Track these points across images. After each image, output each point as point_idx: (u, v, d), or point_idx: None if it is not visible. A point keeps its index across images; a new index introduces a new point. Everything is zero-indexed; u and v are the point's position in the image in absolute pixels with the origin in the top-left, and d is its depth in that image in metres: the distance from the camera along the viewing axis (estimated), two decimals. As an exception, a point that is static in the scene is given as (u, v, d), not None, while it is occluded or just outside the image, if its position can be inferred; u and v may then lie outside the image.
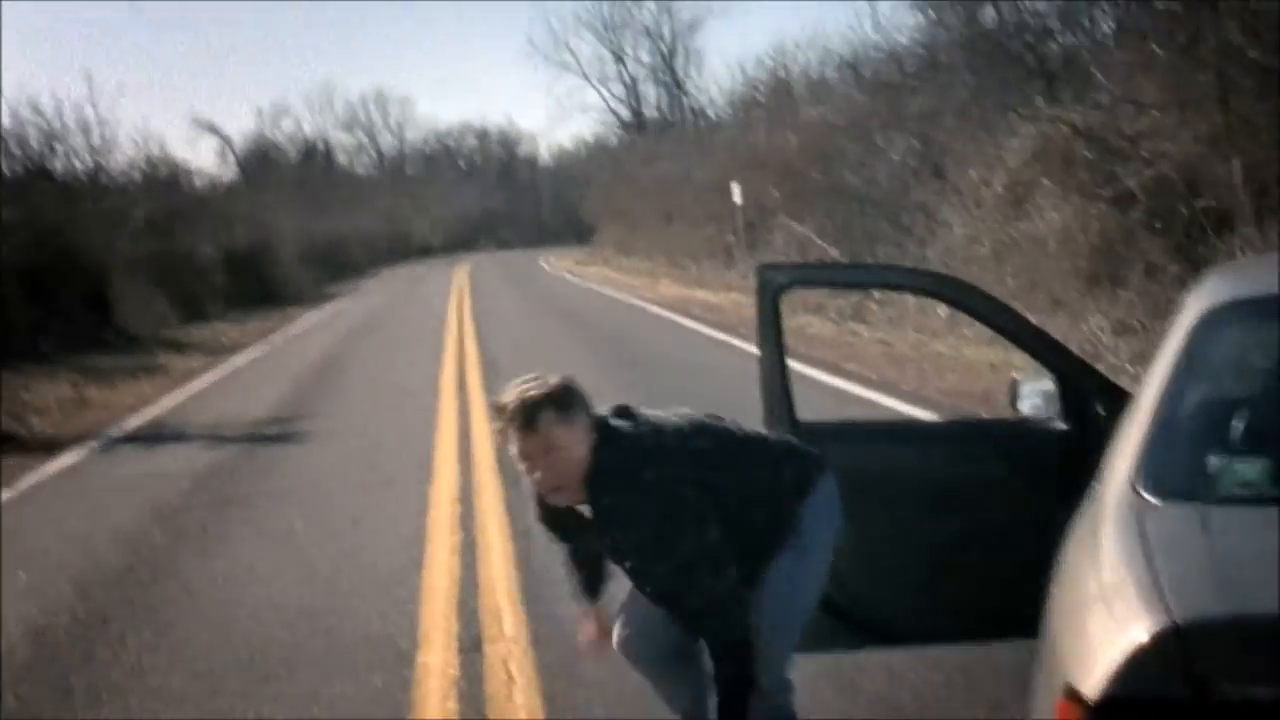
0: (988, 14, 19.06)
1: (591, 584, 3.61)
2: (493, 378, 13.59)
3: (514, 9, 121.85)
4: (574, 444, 3.05)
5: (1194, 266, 11.98)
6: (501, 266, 47.55)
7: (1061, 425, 4.10)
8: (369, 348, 19.59)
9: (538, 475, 3.08)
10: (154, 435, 12.14)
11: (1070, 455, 3.77)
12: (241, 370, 18.08)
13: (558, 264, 45.73)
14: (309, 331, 24.58)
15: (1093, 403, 4.06)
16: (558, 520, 3.35)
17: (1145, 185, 12.68)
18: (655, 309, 22.88)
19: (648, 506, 3.07)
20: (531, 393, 3.03)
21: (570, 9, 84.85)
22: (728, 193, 26.43)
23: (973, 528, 3.95)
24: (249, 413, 12.86)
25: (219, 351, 20.79)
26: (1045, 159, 14.16)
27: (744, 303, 22.00)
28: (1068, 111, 13.83)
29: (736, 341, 15.50)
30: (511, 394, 3.06)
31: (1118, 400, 3.74)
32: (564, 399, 3.05)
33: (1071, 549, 2.55)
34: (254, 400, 13.98)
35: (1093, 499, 2.65)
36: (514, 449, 3.07)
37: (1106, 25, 17.69)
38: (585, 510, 3.16)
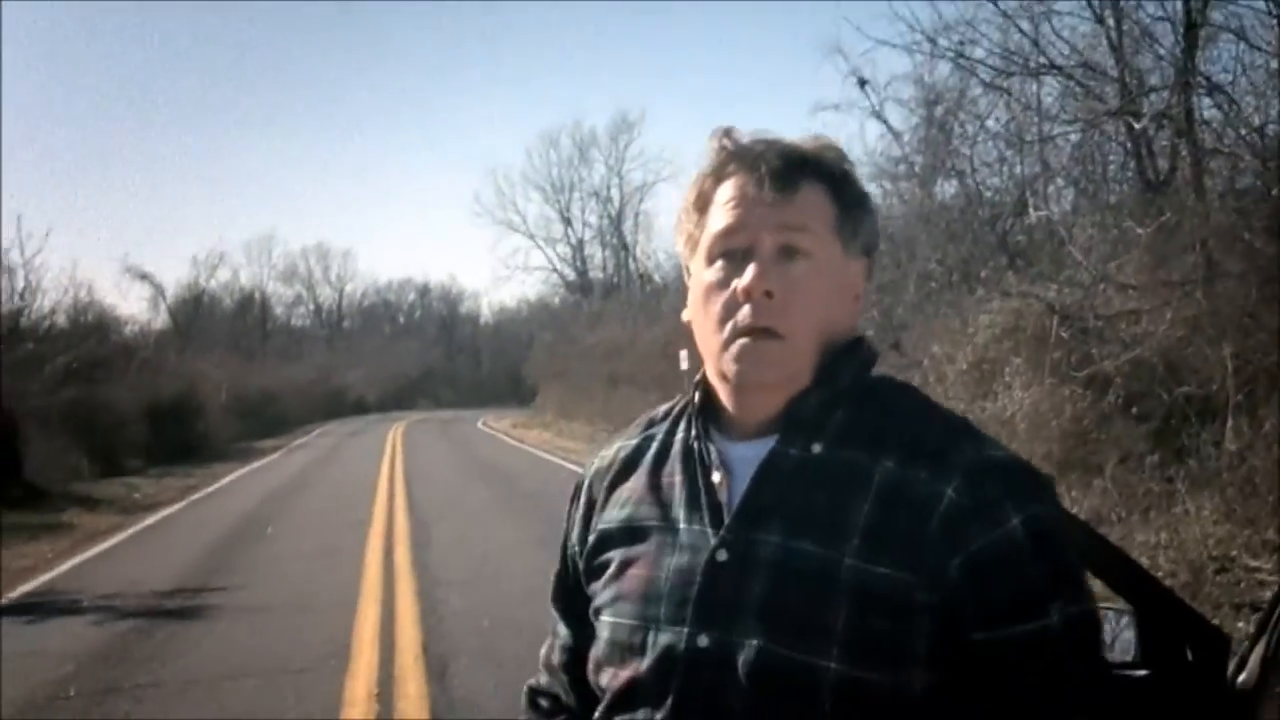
0: (948, 189, 18.77)
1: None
2: (422, 550, 12.82)
3: (461, 166, 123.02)
4: (836, 285, 1.56)
5: (1175, 456, 11.32)
6: (438, 426, 46.72)
7: (1140, 670, 3.23)
8: (294, 510, 18.58)
9: (754, 293, 1.50)
10: (43, 605, 10.98)
11: (1150, 709, 2.98)
12: (154, 531, 16.94)
13: (497, 425, 44.97)
14: (232, 490, 23.52)
15: (1181, 644, 3.20)
16: (605, 546, 1.64)
17: (1122, 368, 12.06)
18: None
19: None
20: (805, 145, 1.59)
21: (519, 169, 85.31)
22: (675, 358, 25.91)
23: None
24: (155, 581, 11.75)
25: (133, 510, 19.61)
26: (1016, 337, 13.56)
27: (690, 474, 21.37)
28: (1042, 288, 13.27)
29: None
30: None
31: (1210, 642, 2.94)
32: (852, 190, 1.60)
33: None
34: (163, 566, 12.87)
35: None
36: (712, 229, 1.56)
37: (1065, 203, 17.44)
38: (726, 466, 1.55)
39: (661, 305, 37.22)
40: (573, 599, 1.74)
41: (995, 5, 13.89)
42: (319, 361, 66.10)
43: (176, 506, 20.30)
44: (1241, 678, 3.11)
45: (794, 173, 1.54)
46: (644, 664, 1.51)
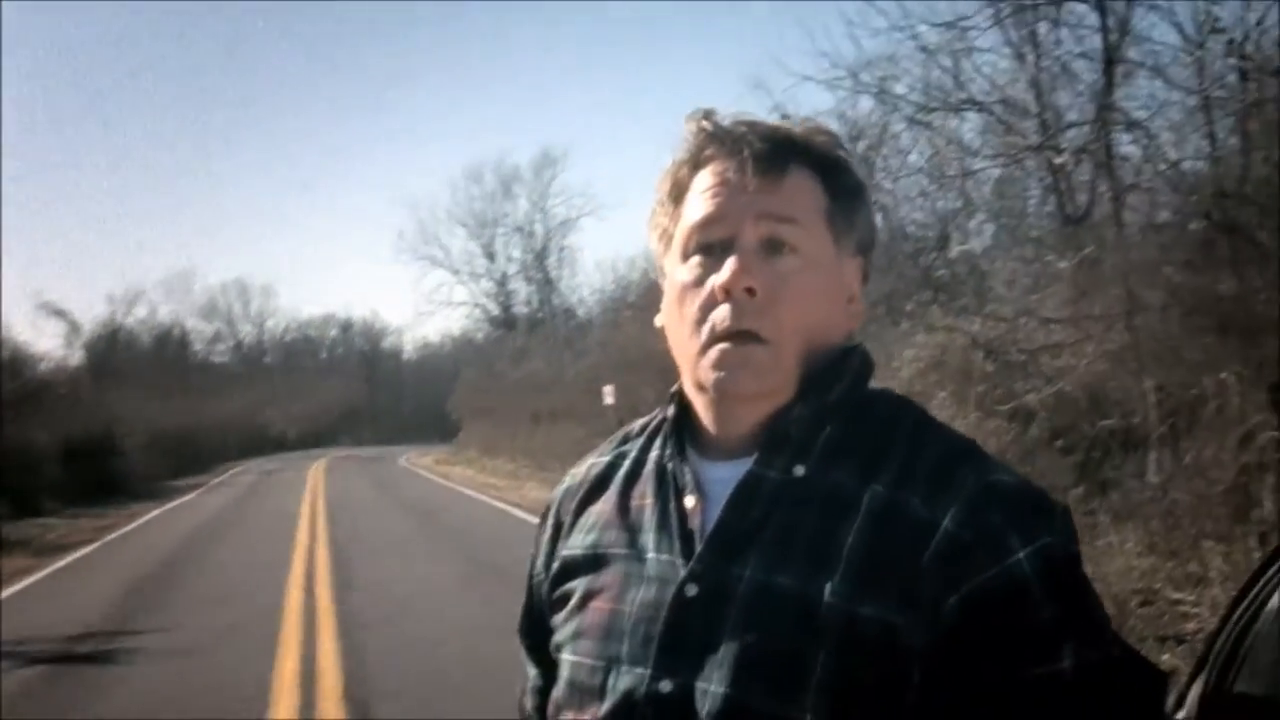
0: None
1: None
2: (344, 590, 12.62)
3: (384, 200, 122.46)
4: (828, 284, 1.40)
5: (1098, 488, 11.39)
6: (360, 464, 46.24)
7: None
8: (213, 551, 18.22)
9: (733, 290, 1.35)
10: (-53, 654, 10.64)
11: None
12: (68, 573, 16.53)
13: (420, 462, 44.59)
14: (149, 530, 23.08)
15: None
16: (561, 580, 1.49)
17: (1046, 402, 12.13)
18: (521, 514, 21.96)
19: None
20: (793, 129, 1.44)
21: (442, 204, 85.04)
22: (599, 394, 25.82)
23: None
24: (67, 625, 11.42)
25: (46, 551, 19.18)
26: (941, 370, 13.60)
27: (616, 510, 21.28)
28: (966, 322, 13.33)
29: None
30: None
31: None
32: (847, 179, 1.44)
33: None
34: (76, 609, 12.54)
35: None
36: (689, 220, 1.41)
37: (987, 237, 17.59)
38: (701, 488, 1.40)
39: (585, 340, 37.10)
40: (541, 634, 1.54)
41: (916, 41, 13.97)
42: (239, 399, 65.15)
43: (91, 547, 19.88)
44: (1180, 715, 3.06)
45: (781, 157, 1.38)
46: (602, 709, 1.35)
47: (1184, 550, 9.44)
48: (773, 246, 1.36)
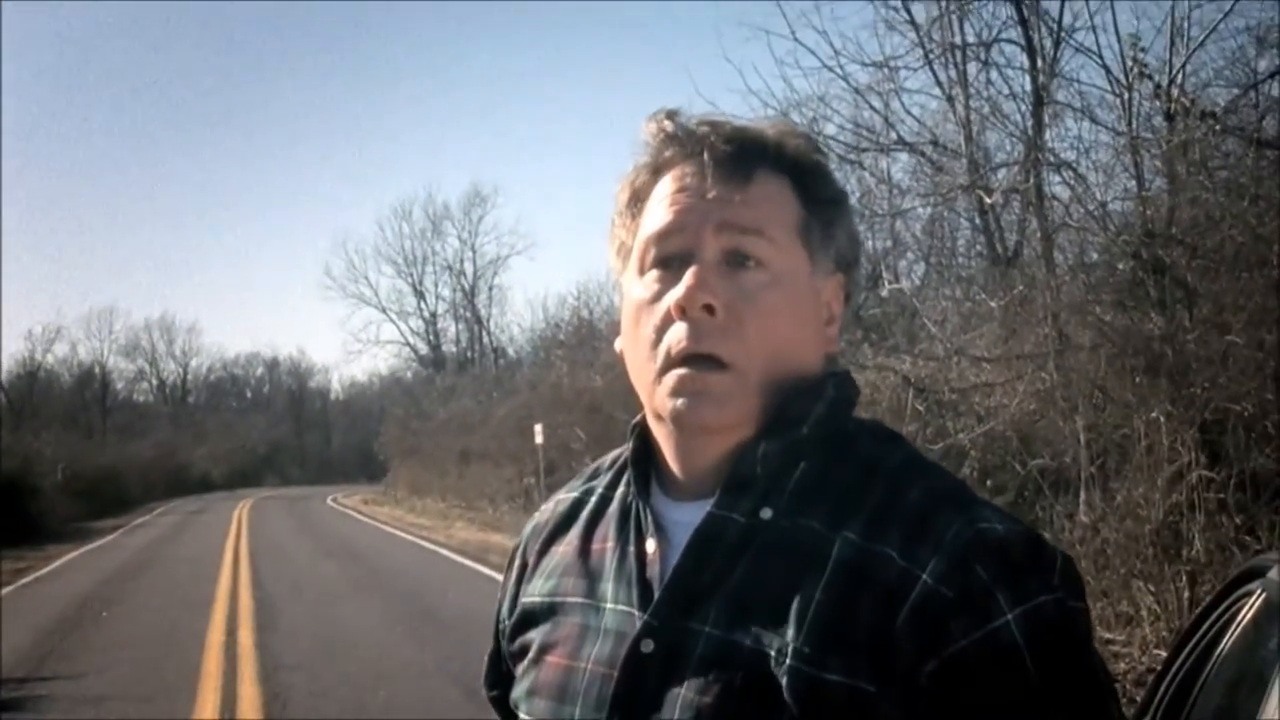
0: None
1: None
2: (267, 632, 12.38)
3: (310, 238, 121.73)
4: (799, 302, 1.26)
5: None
6: (286, 504, 45.65)
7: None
8: (132, 593, 17.78)
9: (690, 308, 1.22)
10: None
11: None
12: (-22, 617, 16.04)
13: (347, 502, 44.18)
14: (66, 573, 22.54)
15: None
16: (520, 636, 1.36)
17: (977, 441, 12.15)
18: (448, 553, 21.79)
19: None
20: (764, 130, 1.30)
21: (370, 242, 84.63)
22: (529, 433, 25.69)
23: None
24: (-24, 672, 11.08)
25: (-43, 594, 18.64)
26: (873, 410, 13.58)
27: (545, 550, 21.19)
28: (897, 361, 13.35)
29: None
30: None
31: None
32: (824, 186, 1.30)
33: None
34: (-14, 655, 12.15)
35: None
36: (646, 231, 1.28)
37: (917, 277, 17.71)
38: (663, 531, 1.27)
39: (515, 379, 36.94)
40: (507, 686, 1.38)
41: (846, 82, 14.04)
42: (163, 438, 64.24)
43: (4, 590, 19.35)
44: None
45: (747, 160, 1.24)
46: None
47: (1114, 590, 9.45)
48: (736, 260, 1.23)
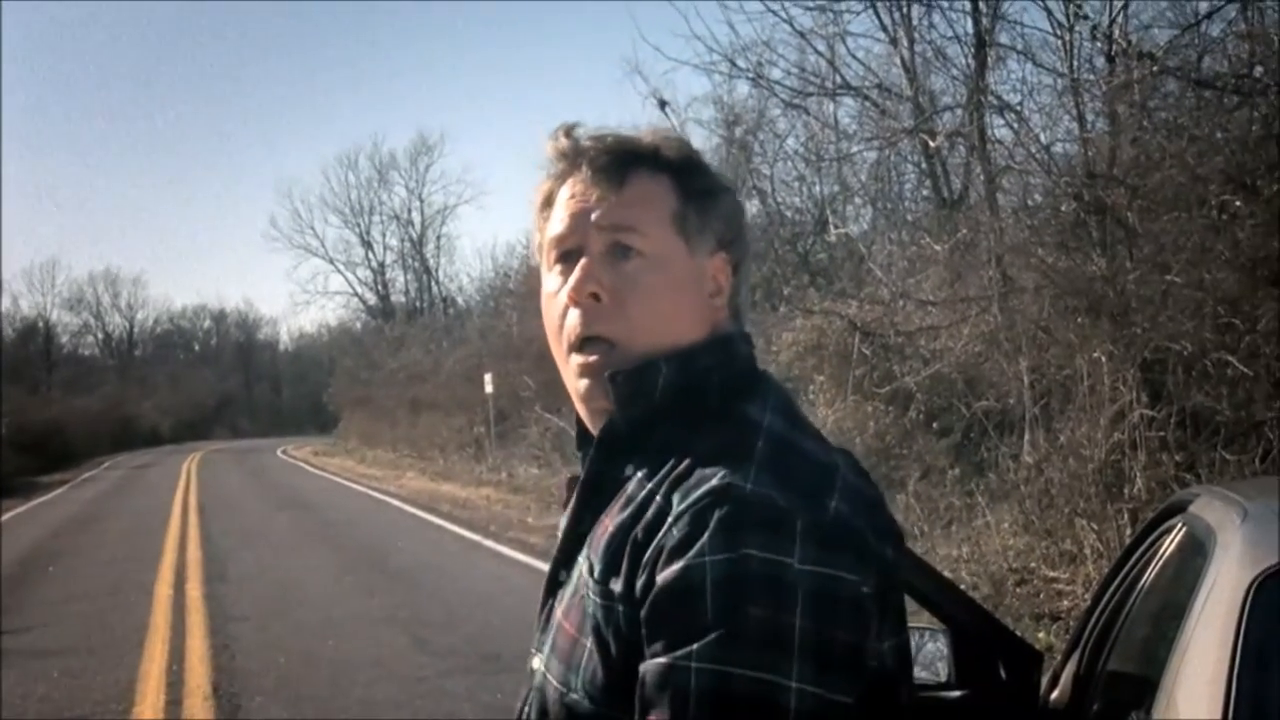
0: (750, 208, 18.89)
1: None
2: (216, 584, 12.37)
3: (255, 188, 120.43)
4: (680, 282, 1.42)
5: (975, 469, 11.52)
6: (236, 456, 45.43)
7: (954, 691, 3.11)
8: (79, 548, 17.63)
9: (578, 296, 1.41)
10: None
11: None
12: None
13: (297, 454, 44.00)
14: (11, 528, 22.29)
15: (995, 662, 3.09)
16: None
17: (923, 384, 12.25)
18: (399, 504, 21.80)
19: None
20: (641, 138, 1.48)
21: (316, 192, 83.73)
22: (479, 382, 25.69)
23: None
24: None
25: (-99, 551, 18.45)
26: (820, 354, 13.66)
27: (494, 498, 21.25)
28: (844, 305, 13.40)
29: (490, 543, 14.58)
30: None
31: (1024, 659, 2.89)
32: (697, 179, 1.46)
33: None
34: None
35: None
36: (549, 234, 1.47)
37: (865, 222, 17.76)
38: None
39: (465, 328, 36.80)
40: None
41: (791, 26, 14.00)
42: (109, 392, 63.60)
43: (-50, 547, 19.20)
44: (1055, 695, 3.03)
45: (622, 166, 1.43)
46: None
47: (1058, 529, 9.58)
48: (620, 252, 1.41)
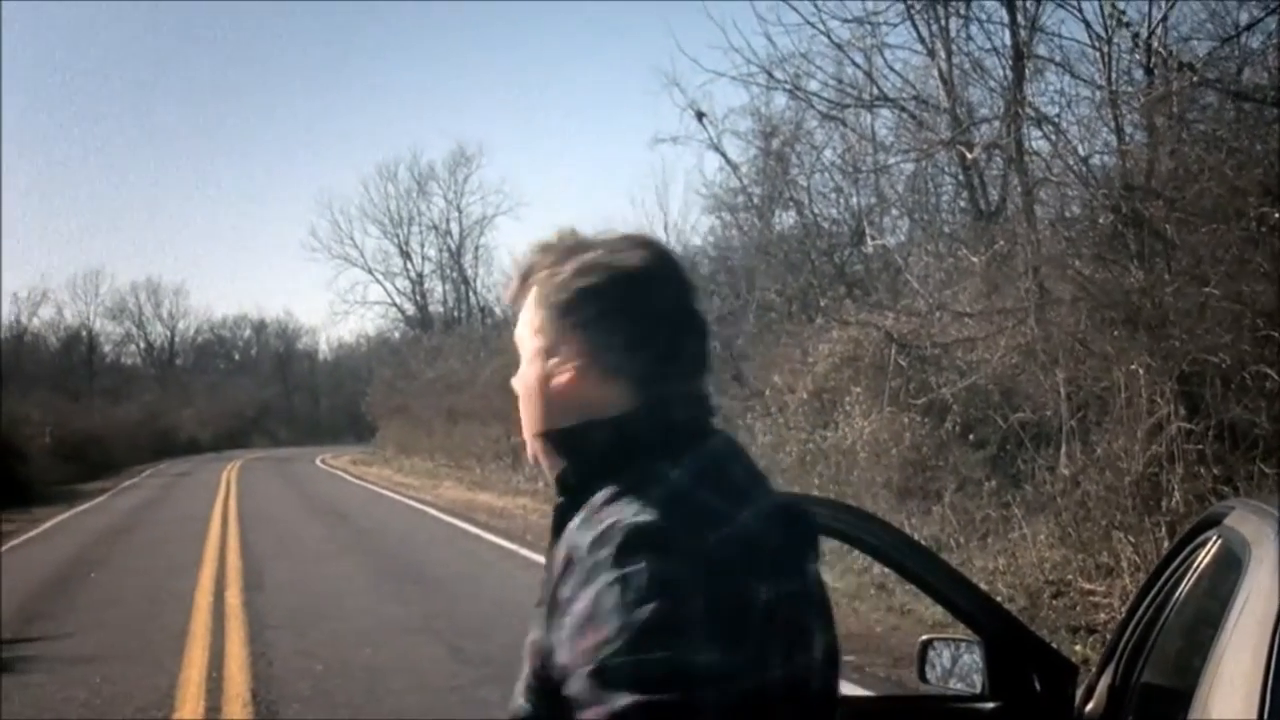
0: (786, 219, 18.91)
1: None
2: (254, 592, 12.43)
3: (296, 199, 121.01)
4: (533, 382, 1.65)
5: (1011, 481, 11.47)
6: (274, 465, 45.63)
7: (989, 702, 3.11)
8: (120, 554, 17.77)
9: None
10: None
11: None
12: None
13: (335, 463, 44.16)
14: (54, 535, 22.52)
15: (1029, 674, 3.10)
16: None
17: (959, 395, 12.20)
18: (436, 513, 21.86)
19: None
20: (563, 245, 1.67)
21: (355, 202, 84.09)
22: (515, 393, 25.73)
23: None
24: (-36, 634, 11.10)
25: (-55, 557, 18.62)
26: (855, 365, 13.64)
27: (531, 507, 21.26)
28: (880, 317, 13.37)
29: (526, 552, 14.61)
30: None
31: (1058, 671, 2.96)
32: (558, 290, 1.62)
33: None
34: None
35: None
36: None
37: (901, 233, 17.70)
38: None
39: (502, 338, 36.88)
40: None
41: (829, 38, 14.01)
42: (150, 401, 63.99)
43: (-7, 553, 19.36)
44: (1089, 707, 3.03)
45: (519, 291, 1.68)
46: None
47: (1094, 541, 9.52)
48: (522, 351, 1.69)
